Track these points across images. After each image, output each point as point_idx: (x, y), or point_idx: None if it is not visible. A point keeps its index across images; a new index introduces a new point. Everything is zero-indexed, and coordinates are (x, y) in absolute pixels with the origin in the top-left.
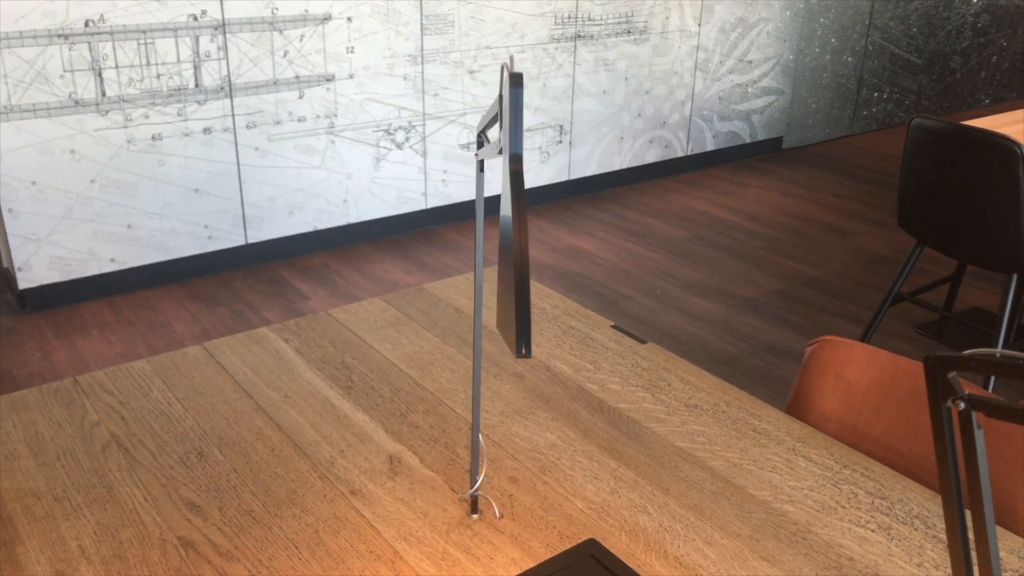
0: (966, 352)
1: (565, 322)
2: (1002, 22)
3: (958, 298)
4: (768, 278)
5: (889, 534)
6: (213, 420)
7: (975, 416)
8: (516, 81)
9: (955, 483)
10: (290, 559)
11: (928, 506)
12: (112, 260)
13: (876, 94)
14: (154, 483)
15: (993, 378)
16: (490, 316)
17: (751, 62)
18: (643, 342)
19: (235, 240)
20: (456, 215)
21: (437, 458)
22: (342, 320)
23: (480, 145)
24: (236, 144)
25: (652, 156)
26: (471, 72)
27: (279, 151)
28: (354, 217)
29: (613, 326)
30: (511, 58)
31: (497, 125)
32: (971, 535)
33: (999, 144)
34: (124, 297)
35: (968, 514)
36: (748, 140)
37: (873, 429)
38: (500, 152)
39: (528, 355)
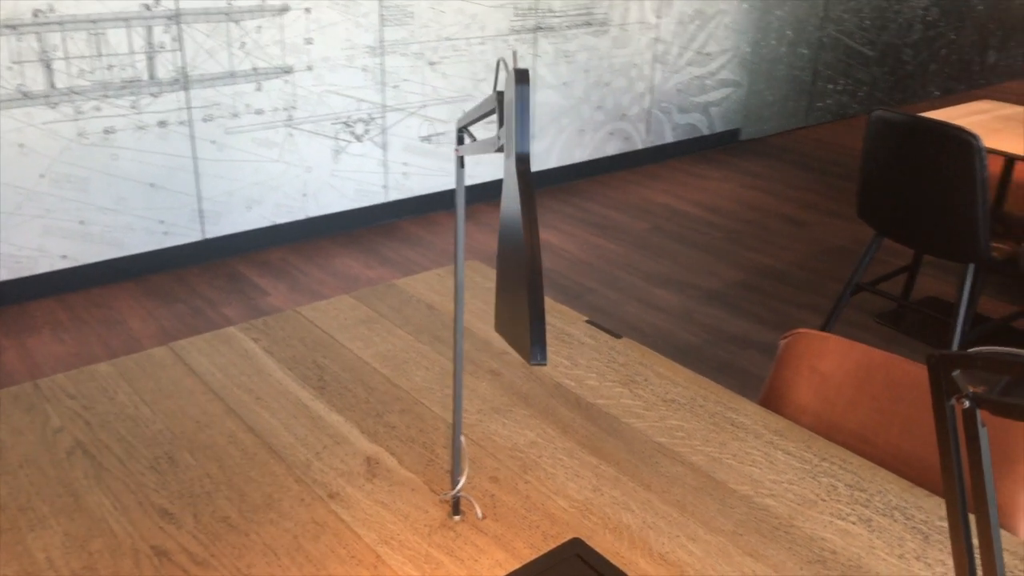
0: (971, 350)
1: None
2: (950, 15)
3: (914, 287)
4: (729, 269)
5: (870, 526)
6: (183, 423)
7: (979, 414)
8: (523, 77)
9: (959, 481)
10: (269, 566)
11: (906, 497)
12: (64, 257)
13: (831, 86)
14: (123, 490)
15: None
16: (470, 316)
17: (709, 54)
18: (618, 337)
19: (192, 235)
20: (417, 208)
21: (416, 459)
22: (311, 318)
23: (460, 141)
24: (192, 137)
25: (612, 148)
26: (431, 64)
27: (236, 144)
28: (313, 211)
29: (587, 321)
30: (514, 53)
31: (482, 122)
32: (974, 539)
33: (957, 136)
34: (77, 295)
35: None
36: (706, 132)
37: (848, 421)
38: (498, 150)
39: (544, 362)
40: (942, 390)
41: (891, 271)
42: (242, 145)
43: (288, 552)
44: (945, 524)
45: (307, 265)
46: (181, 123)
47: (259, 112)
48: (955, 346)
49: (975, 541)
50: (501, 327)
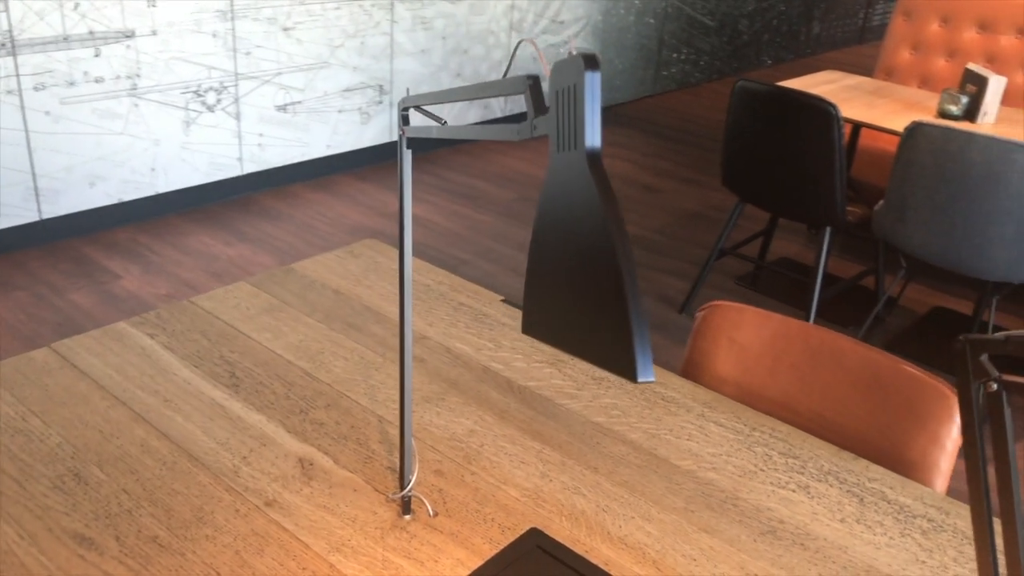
0: (1000, 334)
1: (454, 298)
2: None
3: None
4: None
5: (809, 493)
6: (84, 435)
7: (1005, 397)
8: (592, 63)
9: (982, 462)
10: None
11: (836, 462)
12: None
13: (675, 55)
14: (27, 516)
15: None
16: (379, 299)
17: (563, 22)
18: None
19: (27, 216)
20: (274, 181)
21: (352, 456)
22: (209, 308)
23: (406, 121)
24: (22, 108)
25: (473, 117)
26: (285, 29)
27: (74, 116)
28: (163, 186)
29: (503, 300)
30: (572, 37)
31: (428, 101)
32: (986, 532)
33: (816, 106)
34: None
35: (978, 503)
36: None
37: (768, 390)
38: (528, 138)
39: (652, 378)
40: (968, 373)
41: (747, 236)
42: (81, 116)
43: (232, 569)
44: (875, 485)
45: (160, 244)
46: (9, 92)
47: (99, 80)
48: (814, 303)
49: (995, 523)
50: (540, 331)
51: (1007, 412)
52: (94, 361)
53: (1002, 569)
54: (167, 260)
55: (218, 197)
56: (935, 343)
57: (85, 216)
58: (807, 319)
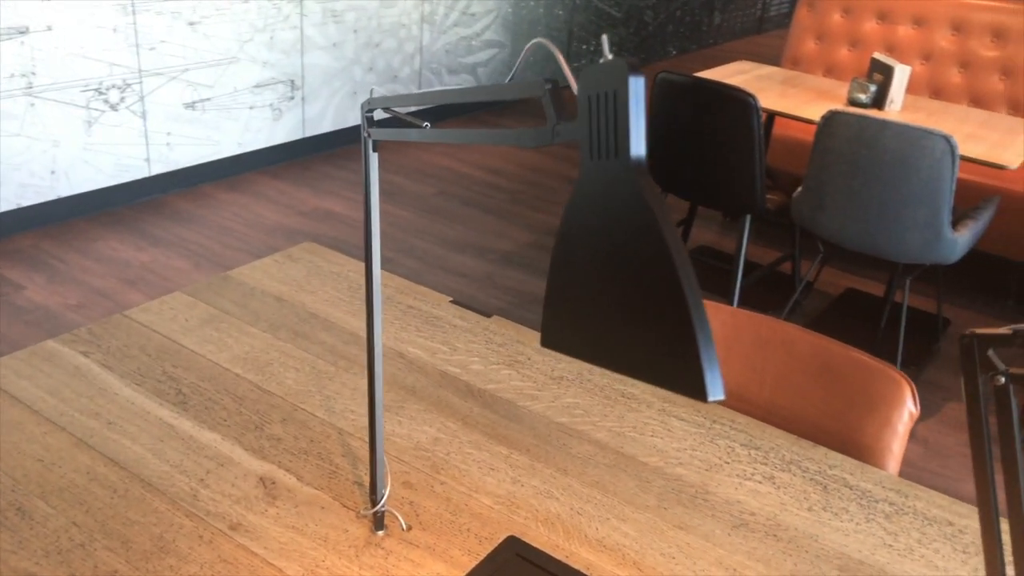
0: (1006, 328)
1: (402, 301)
2: None
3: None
4: (519, 231)
5: (775, 483)
6: (23, 465)
7: (1013, 390)
8: (635, 68)
9: (988, 457)
10: None
11: (796, 451)
12: None
13: (584, 47)
14: None
15: None
16: (325, 305)
17: (474, 15)
18: (488, 316)
19: None
20: (184, 181)
21: (315, 473)
22: (146, 322)
23: (371, 123)
24: None
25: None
26: (191, 24)
27: None
28: (65, 190)
29: (452, 301)
30: (604, 38)
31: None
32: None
33: (735, 96)
34: None
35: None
36: None
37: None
38: (544, 143)
39: (723, 397)
40: (975, 367)
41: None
42: None
43: None
44: (836, 472)
45: (65, 251)
46: None
47: None
48: (737, 290)
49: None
50: (567, 344)
51: (1014, 406)
52: (24, 384)
53: (1008, 568)
54: (75, 268)
55: (126, 200)
56: (850, 324)
57: None
58: (730, 305)
